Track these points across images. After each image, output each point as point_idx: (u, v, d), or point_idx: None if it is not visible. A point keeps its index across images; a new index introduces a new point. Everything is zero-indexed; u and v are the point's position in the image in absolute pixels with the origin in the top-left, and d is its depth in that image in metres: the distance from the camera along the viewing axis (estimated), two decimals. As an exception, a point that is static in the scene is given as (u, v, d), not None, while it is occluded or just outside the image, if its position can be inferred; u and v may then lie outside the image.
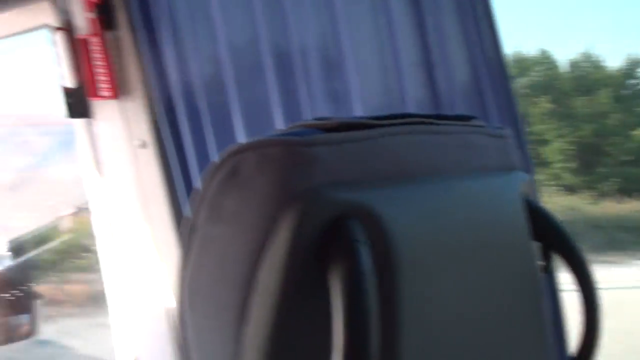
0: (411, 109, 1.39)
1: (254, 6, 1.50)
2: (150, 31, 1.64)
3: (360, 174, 0.57)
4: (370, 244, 0.53)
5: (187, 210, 1.65)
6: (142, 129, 1.72)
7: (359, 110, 1.43)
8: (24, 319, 2.97)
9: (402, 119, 0.64)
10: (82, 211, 3.32)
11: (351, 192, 0.55)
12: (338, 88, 1.44)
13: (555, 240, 0.75)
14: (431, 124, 0.67)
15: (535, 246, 0.74)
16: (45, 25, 1.90)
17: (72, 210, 3.29)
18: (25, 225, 3.45)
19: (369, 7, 1.43)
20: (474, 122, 0.72)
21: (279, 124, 1.50)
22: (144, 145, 1.72)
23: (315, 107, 1.47)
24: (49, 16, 1.87)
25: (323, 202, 0.53)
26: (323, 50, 1.47)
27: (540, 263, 0.74)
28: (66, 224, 3.36)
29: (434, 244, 0.61)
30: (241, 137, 1.58)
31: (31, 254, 3.23)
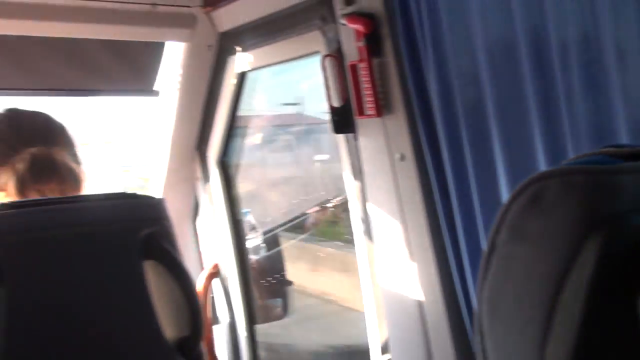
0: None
1: (515, 25, 1.57)
2: (413, 57, 1.81)
3: None
4: None
5: (441, 219, 1.81)
6: (403, 143, 1.90)
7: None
8: (278, 302, 3.38)
9: None
10: (325, 209, 3.65)
11: None
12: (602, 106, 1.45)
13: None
14: None
15: None
16: (317, 52, 2.19)
17: (318, 207, 3.64)
18: (276, 219, 3.90)
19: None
20: None
21: (539, 146, 1.56)
22: (403, 158, 1.91)
23: (578, 135, 1.50)
24: (320, 44, 2.15)
25: (628, 228, 0.55)
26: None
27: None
28: (312, 219, 3.73)
29: None
30: (498, 156, 1.67)
31: (282, 246, 3.64)
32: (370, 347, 2.24)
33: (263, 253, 3.73)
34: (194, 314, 1.28)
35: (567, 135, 1.52)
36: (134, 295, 1.19)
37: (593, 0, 1.39)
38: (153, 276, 1.23)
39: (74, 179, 1.42)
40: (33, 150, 1.38)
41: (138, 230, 1.20)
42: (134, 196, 1.26)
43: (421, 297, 1.94)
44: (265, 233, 3.90)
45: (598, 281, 0.54)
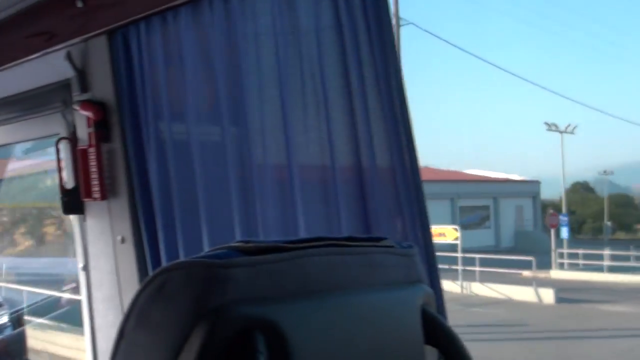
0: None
1: (225, 131, 1.78)
2: (138, 146, 1.94)
3: (270, 291, 0.65)
4: (272, 354, 0.61)
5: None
6: (124, 226, 1.98)
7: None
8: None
9: (316, 242, 0.73)
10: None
11: (259, 308, 0.63)
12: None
13: (447, 346, 0.83)
14: (342, 245, 0.76)
15: (430, 352, 0.82)
16: (57, 134, 2.23)
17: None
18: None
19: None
20: (383, 242, 0.82)
21: (238, 231, 1.74)
22: (123, 240, 1.98)
23: (266, 211, 1.71)
24: (60, 127, 2.20)
25: (232, 317, 0.61)
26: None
27: None
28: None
29: (333, 353, 0.70)
30: (205, 238, 1.82)
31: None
32: None
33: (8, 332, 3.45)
34: None
35: (259, 224, 1.73)
36: None
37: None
38: None
39: None
40: None
41: None
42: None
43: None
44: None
45: None
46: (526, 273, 22.15)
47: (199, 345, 0.59)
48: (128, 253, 1.98)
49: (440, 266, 1.65)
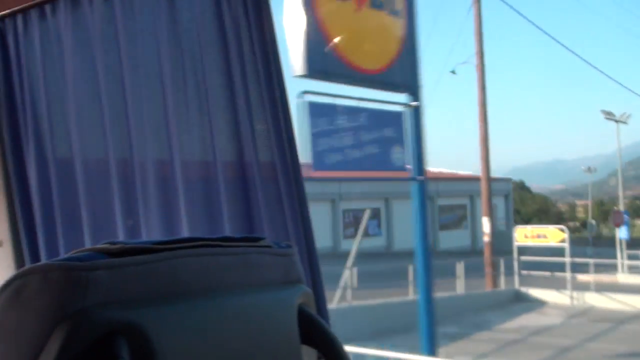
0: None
1: (106, 129, 1.74)
2: (16, 145, 1.87)
3: (136, 294, 0.63)
4: (135, 359, 0.59)
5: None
6: (1, 229, 1.90)
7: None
8: None
9: (189, 242, 0.71)
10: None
11: (123, 312, 0.60)
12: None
13: (323, 344, 0.83)
14: (217, 246, 0.74)
15: (307, 350, 0.82)
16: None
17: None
18: None
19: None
20: (261, 242, 0.81)
21: (121, 230, 1.71)
22: (0, 244, 1.89)
23: (149, 214, 1.69)
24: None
25: (93, 322, 0.58)
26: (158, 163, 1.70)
27: None
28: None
29: (204, 355, 0.68)
30: (87, 240, 1.77)
31: None
32: None
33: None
34: None
35: (142, 225, 1.70)
36: None
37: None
38: None
39: None
40: None
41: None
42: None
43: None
44: None
45: None
46: (584, 277, 19.07)
47: (56, 352, 0.56)
48: (6, 257, 1.89)
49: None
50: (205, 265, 0.72)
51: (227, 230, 1.62)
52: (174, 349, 0.63)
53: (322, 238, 28.31)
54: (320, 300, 1.55)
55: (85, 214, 1.78)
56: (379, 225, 33.76)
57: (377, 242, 32.05)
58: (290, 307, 0.81)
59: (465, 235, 36.54)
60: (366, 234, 30.92)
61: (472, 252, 30.24)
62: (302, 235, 1.59)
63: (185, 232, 1.66)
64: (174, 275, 0.67)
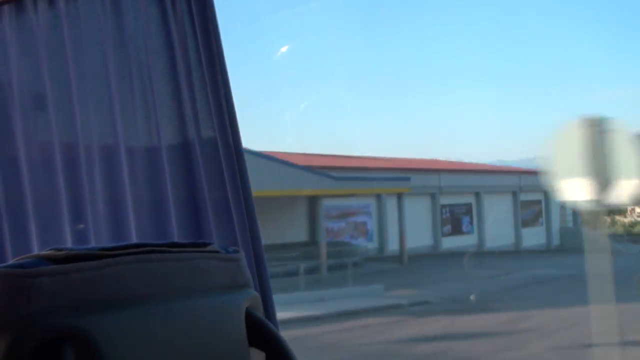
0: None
1: (52, 132, 1.75)
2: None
3: (81, 300, 0.63)
4: None
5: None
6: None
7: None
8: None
9: (135, 248, 0.72)
10: None
11: (69, 318, 0.61)
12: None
13: (270, 346, 0.84)
14: (163, 252, 0.75)
15: (255, 353, 0.83)
16: None
17: None
18: None
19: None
20: (208, 247, 0.82)
21: (68, 239, 1.72)
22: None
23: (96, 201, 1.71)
24: None
25: (37, 328, 0.59)
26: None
27: None
28: None
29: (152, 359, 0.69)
30: (35, 243, 1.78)
31: None
32: None
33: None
34: None
35: (89, 223, 1.72)
36: None
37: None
38: None
39: None
40: None
41: None
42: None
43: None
44: None
45: None
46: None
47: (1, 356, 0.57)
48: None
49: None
50: (152, 271, 0.73)
51: (174, 219, 1.65)
52: (121, 354, 0.64)
53: (421, 236, 27.03)
54: (268, 303, 1.60)
55: (32, 220, 1.78)
56: (471, 222, 32.00)
57: (470, 241, 30.18)
58: (238, 310, 0.82)
59: (541, 233, 34.24)
60: (460, 231, 30.54)
61: (547, 251, 29.17)
62: (249, 241, 1.63)
63: (133, 232, 1.69)
64: (121, 281, 0.68)
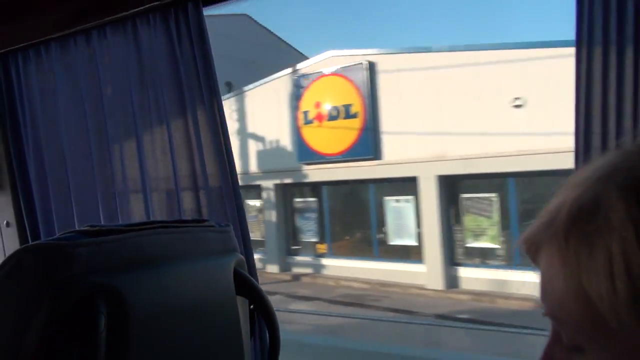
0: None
1: (90, 141, 2.25)
2: (18, 148, 2.38)
3: (111, 264, 0.76)
4: (112, 312, 0.73)
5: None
6: (9, 213, 2.43)
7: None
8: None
9: (151, 224, 0.87)
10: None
11: (101, 278, 0.74)
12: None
13: (252, 295, 1.05)
14: (172, 227, 0.91)
15: (242, 302, 1.02)
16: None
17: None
18: None
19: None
20: (206, 223, 1.01)
21: (102, 218, 2.23)
22: (8, 224, 2.43)
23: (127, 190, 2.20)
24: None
25: (77, 286, 0.72)
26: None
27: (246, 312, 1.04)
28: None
29: (164, 307, 0.83)
30: (76, 221, 2.30)
31: None
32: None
33: None
34: None
35: (117, 206, 2.22)
36: None
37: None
38: None
39: None
40: None
41: None
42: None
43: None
44: None
45: (52, 324, 0.70)
46: None
47: (47, 311, 0.69)
48: (13, 235, 2.43)
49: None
50: (164, 241, 0.88)
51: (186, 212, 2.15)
52: (141, 303, 0.78)
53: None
54: (250, 263, 2.08)
55: (74, 205, 2.31)
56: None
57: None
58: (228, 269, 1.01)
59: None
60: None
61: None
62: (236, 217, 2.12)
63: (150, 212, 2.19)
64: (140, 249, 0.83)
